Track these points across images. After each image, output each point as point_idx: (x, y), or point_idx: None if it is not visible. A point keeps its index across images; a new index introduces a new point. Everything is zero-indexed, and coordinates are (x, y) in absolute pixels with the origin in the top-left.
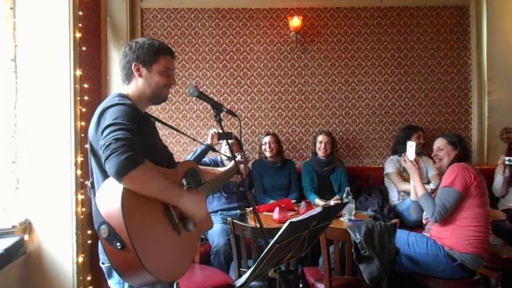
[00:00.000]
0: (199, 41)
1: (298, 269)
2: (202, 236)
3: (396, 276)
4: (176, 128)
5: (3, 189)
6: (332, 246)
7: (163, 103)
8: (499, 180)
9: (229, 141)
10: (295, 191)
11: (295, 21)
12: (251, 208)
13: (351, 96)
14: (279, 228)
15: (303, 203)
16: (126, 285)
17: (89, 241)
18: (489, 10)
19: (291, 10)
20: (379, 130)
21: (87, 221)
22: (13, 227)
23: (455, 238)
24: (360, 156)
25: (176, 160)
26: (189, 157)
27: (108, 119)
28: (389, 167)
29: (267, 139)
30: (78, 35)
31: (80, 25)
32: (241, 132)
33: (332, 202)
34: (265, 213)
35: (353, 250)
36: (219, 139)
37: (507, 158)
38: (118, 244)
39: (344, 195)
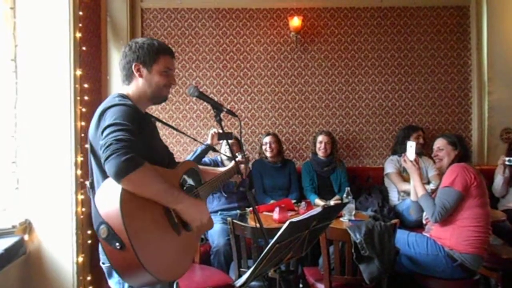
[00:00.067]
0: (199, 41)
1: (298, 269)
2: (202, 236)
3: (396, 276)
4: (177, 128)
5: (3, 189)
6: (332, 246)
7: (163, 103)
8: (499, 180)
9: (229, 141)
10: (295, 191)
11: (295, 21)
12: (251, 208)
13: (351, 96)
14: (279, 228)
15: (303, 203)
16: (126, 285)
17: (89, 241)
18: (489, 10)
19: (291, 10)
20: (379, 130)
21: (87, 221)
22: (13, 227)
23: (455, 238)
24: (360, 156)
25: (176, 160)
26: (189, 157)
27: (108, 119)
28: (389, 167)
29: (267, 139)
30: (78, 35)
31: (80, 25)
32: (241, 132)
33: (332, 202)
34: (265, 213)
35: (353, 250)
36: (219, 139)
37: (507, 158)
38: (117, 244)
39: (344, 195)
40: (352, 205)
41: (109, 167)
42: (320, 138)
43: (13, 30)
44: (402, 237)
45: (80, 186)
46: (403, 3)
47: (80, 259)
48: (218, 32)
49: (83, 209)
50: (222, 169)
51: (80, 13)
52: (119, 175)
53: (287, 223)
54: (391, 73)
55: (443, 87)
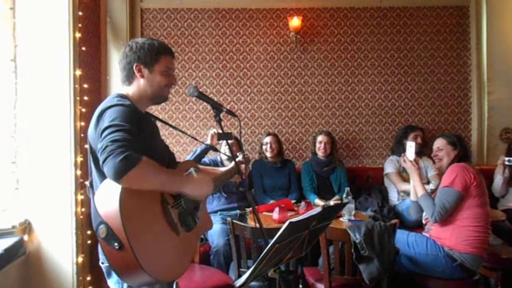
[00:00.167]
0: (199, 41)
1: (298, 269)
2: (202, 236)
3: (395, 276)
4: (177, 127)
5: (3, 189)
6: (332, 246)
7: (163, 103)
8: (498, 180)
9: (229, 141)
10: (295, 191)
11: (295, 21)
12: (250, 208)
13: (351, 96)
14: (278, 228)
15: (303, 203)
16: (125, 285)
17: (89, 241)
18: (489, 10)
19: (291, 10)
20: (379, 130)
21: (86, 221)
22: (13, 227)
23: (454, 238)
24: (360, 156)
25: (176, 160)
26: (189, 157)
27: (106, 120)
28: (389, 167)
29: (268, 139)
30: (78, 35)
31: (80, 25)
32: (240, 132)
33: (332, 202)
34: (264, 213)
35: (352, 250)
36: (219, 139)
37: (506, 158)
38: (116, 244)
39: (344, 195)
40: (351, 205)
41: (107, 169)
42: (320, 138)
43: (13, 31)
44: (402, 237)
45: (79, 186)
46: (403, 3)
47: (80, 259)
48: (218, 32)
49: (83, 209)
50: (222, 169)
51: (80, 13)
52: (118, 176)
53: (287, 223)
54: (390, 73)
55: (443, 87)
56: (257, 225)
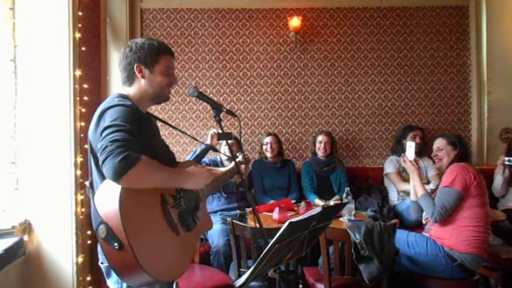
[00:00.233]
0: (198, 41)
1: (298, 269)
2: (202, 236)
3: (395, 276)
4: (177, 127)
5: (3, 189)
6: (331, 246)
7: (163, 103)
8: (498, 180)
9: (229, 141)
10: (295, 191)
11: (295, 21)
12: (250, 208)
13: (350, 96)
14: (278, 228)
15: (302, 203)
16: (125, 285)
17: (89, 242)
18: (488, 10)
19: (291, 10)
20: (379, 130)
21: (86, 221)
22: (13, 227)
23: (454, 238)
24: (359, 156)
25: (176, 160)
26: (188, 157)
27: (107, 120)
28: (389, 167)
29: (268, 139)
30: (78, 35)
31: (79, 25)
32: (240, 132)
33: (331, 202)
34: (264, 213)
35: (352, 250)
36: (218, 139)
37: (506, 158)
38: (116, 244)
39: (344, 195)
40: (351, 205)
41: (106, 169)
42: (320, 138)
43: (13, 31)
44: (402, 237)
45: (79, 186)
46: (402, 3)
47: (80, 260)
48: (218, 33)
49: (83, 210)
50: (222, 169)
51: (80, 13)
52: (117, 176)
53: (287, 223)
54: (390, 73)
55: (443, 87)
56: (257, 225)
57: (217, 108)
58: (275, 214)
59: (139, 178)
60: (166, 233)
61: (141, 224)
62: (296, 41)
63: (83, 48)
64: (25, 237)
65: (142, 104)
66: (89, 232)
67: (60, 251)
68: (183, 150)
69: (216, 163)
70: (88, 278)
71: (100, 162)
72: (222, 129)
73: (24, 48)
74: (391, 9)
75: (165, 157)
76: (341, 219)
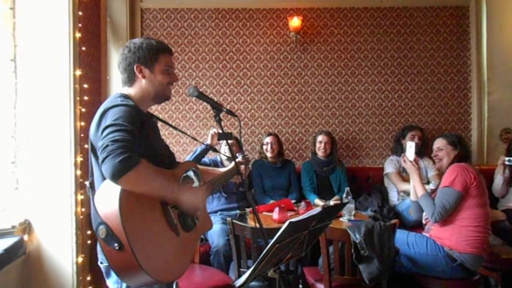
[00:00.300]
0: (199, 41)
1: (297, 269)
2: (202, 237)
3: (395, 276)
4: (177, 128)
5: (3, 189)
6: (331, 246)
7: (163, 103)
8: (498, 180)
9: (229, 141)
10: (295, 191)
11: (295, 21)
12: (250, 208)
13: (350, 96)
14: (278, 228)
15: (302, 203)
16: (124, 285)
17: (89, 241)
18: (488, 10)
19: (291, 10)
20: (379, 130)
21: (86, 221)
22: (13, 227)
23: (454, 238)
24: (359, 156)
25: (176, 160)
26: (188, 157)
27: (109, 119)
28: (389, 167)
29: (268, 139)
30: (78, 35)
31: (80, 25)
32: (240, 132)
33: (331, 202)
34: (264, 213)
35: (352, 250)
36: (219, 139)
37: (506, 158)
38: (115, 244)
39: (344, 195)
40: (351, 205)
41: (105, 169)
42: (320, 138)
43: (13, 30)
44: (402, 237)
45: (79, 186)
46: (403, 3)
47: (80, 259)
48: (218, 32)
49: (83, 210)
50: (222, 169)
51: (80, 13)
52: (116, 176)
53: (287, 223)
54: (390, 73)
55: (443, 87)
56: (257, 225)
57: (217, 108)
58: (275, 214)
59: (137, 182)
60: (166, 233)
61: (141, 225)
62: (296, 41)
63: (83, 48)
64: (25, 237)
65: (143, 104)
66: (89, 232)
67: (60, 251)
68: (183, 150)
69: (216, 163)
70: (88, 278)
71: (99, 161)
72: (222, 129)
73: (24, 48)
74: (391, 9)
75: (165, 157)
76: (341, 219)
